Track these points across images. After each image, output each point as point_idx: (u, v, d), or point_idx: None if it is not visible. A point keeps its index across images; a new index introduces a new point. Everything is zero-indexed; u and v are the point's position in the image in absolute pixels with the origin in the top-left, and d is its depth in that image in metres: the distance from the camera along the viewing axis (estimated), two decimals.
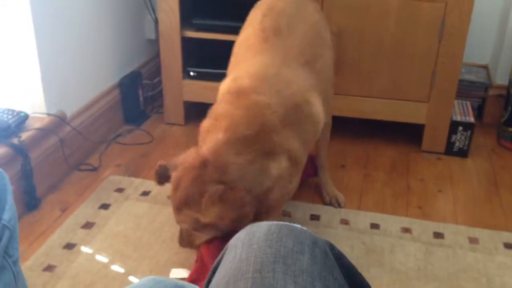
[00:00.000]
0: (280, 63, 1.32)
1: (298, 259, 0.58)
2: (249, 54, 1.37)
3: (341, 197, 1.68)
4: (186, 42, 2.07)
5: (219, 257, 0.65)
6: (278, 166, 1.22)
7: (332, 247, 0.65)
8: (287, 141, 1.23)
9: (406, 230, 1.56)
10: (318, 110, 1.31)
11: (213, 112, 1.26)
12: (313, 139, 1.36)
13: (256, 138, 1.18)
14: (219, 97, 1.31)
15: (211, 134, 1.20)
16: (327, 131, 1.66)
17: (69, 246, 1.47)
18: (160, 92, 2.23)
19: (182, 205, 1.20)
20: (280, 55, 1.34)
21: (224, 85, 1.32)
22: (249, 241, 0.61)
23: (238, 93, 1.24)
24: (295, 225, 0.65)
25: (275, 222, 0.64)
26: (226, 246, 0.66)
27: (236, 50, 1.47)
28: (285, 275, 0.56)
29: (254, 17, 1.46)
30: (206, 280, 0.65)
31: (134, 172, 1.84)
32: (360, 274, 0.66)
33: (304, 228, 0.65)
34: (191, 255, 1.43)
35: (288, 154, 1.24)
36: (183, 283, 0.64)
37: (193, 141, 1.34)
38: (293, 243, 0.60)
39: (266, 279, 0.55)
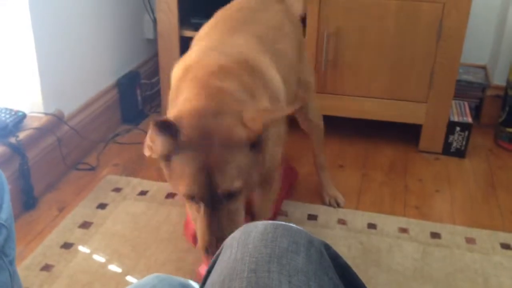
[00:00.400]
0: (234, 37, 1.22)
1: (293, 259, 0.58)
2: (204, 39, 1.28)
3: (340, 198, 1.68)
4: (185, 42, 2.07)
5: (214, 257, 0.65)
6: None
7: (327, 247, 0.65)
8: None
9: (404, 230, 1.56)
10: (275, 75, 1.18)
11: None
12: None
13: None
14: (173, 80, 1.17)
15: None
16: (320, 132, 1.66)
17: (67, 246, 1.47)
18: (158, 91, 2.23)
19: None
20: (238, 34, 1.25)
21: (175, 69, 1.18)
22: (244, 240, 0.61)
23: (186, 70, 1.11)
24: (291, 224, 0.65)
25: (271, 222, 0.64)
26: (221, 246, 0.66)
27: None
28: (280, 275, 0.56)
29: (215, 15, 1.41)
30: (202, 280, 0.65)
31: (132, 171, 1.84)
32: (355, 274, 0.67)
33: (300, 227, 0.65)
34: (188, 255, 1.43)
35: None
36: (187, 281, 0.64)
37: None
38: (288, 242, 0.60)
39: (261, 279, 0.55)
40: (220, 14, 1.38)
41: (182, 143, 0.96)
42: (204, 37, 1.31)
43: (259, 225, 0.63)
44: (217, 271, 0.60)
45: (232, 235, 0.65)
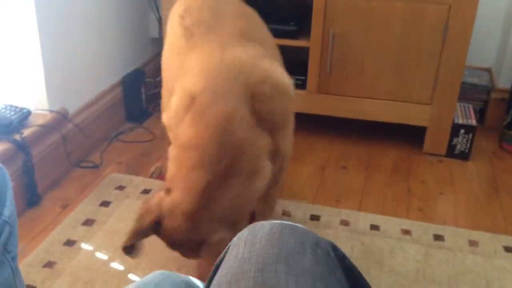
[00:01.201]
0: (218, 48, 1.19)
1: (300, 259, 0.58)
2: (182, 58, 1.24)
3: None
4: None
5: (221, 255, 0.65)
6: (263, 180, 1.11)
7: (335, 248, 0.65)
8: (264, 141, 1.12)
9: (406, 232, 1.56)
10: (282, 75, 1.18)
11: (178, 138, 1.11)
12: (291, 108, 1.24)
13: (233, 164, 1.05)
14: (176, 113, 1.14)
15: (183, 173, 1.07)
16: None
17: (69, 243, 1.47)
18: None
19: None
20: (214, 41, 1.22)
21: (177, 100, 1.14)
22: (251, 240, 0.61)
23: (196, 110, 1.08)
24: (298, 225, 0.65)
25: (278, 222, 0.64)
26: (228, 245, 0.66)
27: (167, 63, 1.37)
28: (287, 275, 0.56)
29: (172, 23, 1.37)
30: (208, 278, 0.65)
31: (135, 170, 1.85)
32: (362, 276, 0.66)
33: (306, 228, 0.65)
34: None
35: (268, 151, 1.14)
36: (191, 278, 0.64)
37: None
38: (295, 243, 0.60)
39: (267, 278, 0.55)
40: (180, 24, 1.31)
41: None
42: (182, 55, 1.24)
43: (266, 225, 0.63)
44: (224, 271, 0.60)
45: (239, 234, 0.65)
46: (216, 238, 1.06)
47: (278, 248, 0.59)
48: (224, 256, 0.64)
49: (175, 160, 1.09)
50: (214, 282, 0.60)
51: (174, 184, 1.08)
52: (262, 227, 0.63)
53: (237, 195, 1.06)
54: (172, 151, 1.12)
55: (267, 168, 1.13)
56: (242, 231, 0.65)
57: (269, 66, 1.17)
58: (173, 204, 1.07)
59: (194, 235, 1.08)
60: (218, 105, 1.06)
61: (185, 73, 1.17)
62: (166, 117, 1.19)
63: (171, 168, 1.10)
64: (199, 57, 1.18)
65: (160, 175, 1.79)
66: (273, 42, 1.46)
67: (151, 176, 1.79)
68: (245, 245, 0.61)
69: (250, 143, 1.07)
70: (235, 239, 0.65)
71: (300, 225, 0.64)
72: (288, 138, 1.24)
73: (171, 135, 1.17)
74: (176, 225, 1.08)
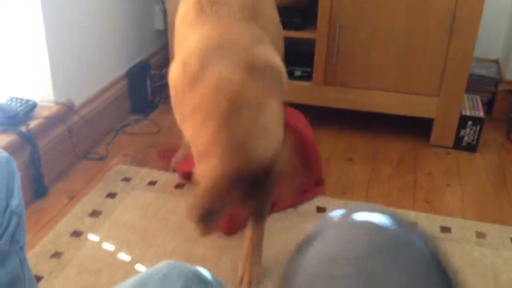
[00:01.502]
0: (221, 29, 1.28)
1: (402, 251, 0.56)
2: (189, 30, 1.34)
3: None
4: None
5: (308, 237, 0.62)
6: (267, 114, 1.16)
7: (438, 248, 0.62)
8: (256, 83, 1.18)
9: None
10: (275, 59, 1.26)
11: (184, 107, 1.20)
12: (280, 92, 1.28)
13: (231, 103, 1.12)
14: (172, 85, 1.26)
15: (199, 131, 1.15)
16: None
17: (76, 234, 1.48)
18: (168, 82, 2.22)
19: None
20: (220, 21, 1.30)
21: (174, 72, 1.26)
22: (344, 226, 0.58)
23: (193, 83, 1.19)
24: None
25: (372, 209, 0.62)
26: (316, 226, 0.63)
27: (177, 30, 1.45)
28: (388, 265, 0.53)
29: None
30: (290, 260, 0.62)
31: (141, 161, 1.85)
32: (462, 283, 0.63)
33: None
34: (197, 244, 1.43)
35: (265, 93, 1.19)
36: (198, 268, 0.64)
37: None
38: (394, 234, 0.57)
39: (369, 267, 0.52)
40: None
41: None
42: (190, 27, 1.33)
43: (360, 208, 0.61)
44: (316, 254, 0.57)
45: (329, 217, 0.62)
46: (265, 159, 1.10)
47: (380, 237, 0.56)
48: (312, 238, 0.60)
49: (191, 126, 1.17)
50: (303, 264, 0.57)
51: (196, 146, 1.16)
52: (355, 208, 0.60)
53: (247, 127, 1.11)
54: (186, 128, 1.20)
55: (268, 104, 1.16)
56: (334, 213, 0.62)
57: (262, 50, 1.25)
58: (204, 167, 1.13)
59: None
60: (211, 70, 1.16)
61: (188, 46, 1.28)
62: (171, 79, 1.29)
63: (194, 138, 1.17)
64: (200, 37, 1.27)
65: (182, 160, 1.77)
66: (276, 25, 1.48)
67: (173, 166, 1.78)
68: (341, 229, 0.58)
69: (242, 85, 1.15)
70: (323, 223, 0.62)
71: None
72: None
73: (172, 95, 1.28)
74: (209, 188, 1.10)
